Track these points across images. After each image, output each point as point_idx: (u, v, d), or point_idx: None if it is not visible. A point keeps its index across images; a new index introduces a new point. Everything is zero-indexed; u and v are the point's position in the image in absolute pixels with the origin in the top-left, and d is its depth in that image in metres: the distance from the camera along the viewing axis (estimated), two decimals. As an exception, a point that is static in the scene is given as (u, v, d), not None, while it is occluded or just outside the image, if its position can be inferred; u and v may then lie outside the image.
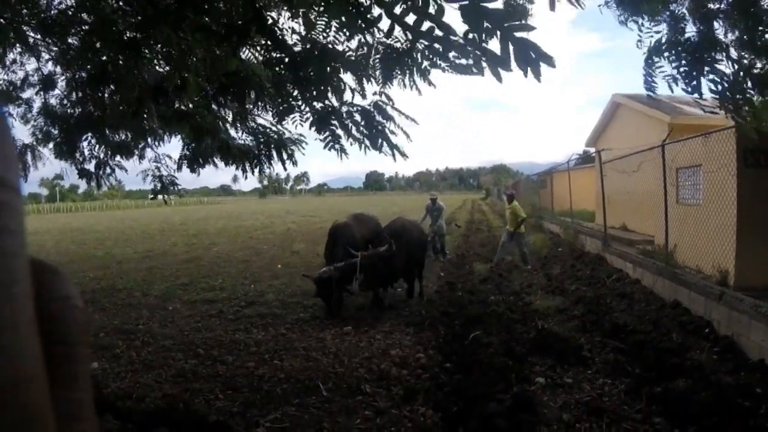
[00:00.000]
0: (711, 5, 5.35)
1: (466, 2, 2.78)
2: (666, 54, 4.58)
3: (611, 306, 7.89)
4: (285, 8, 5.33)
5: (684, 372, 5.01)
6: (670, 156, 9.08)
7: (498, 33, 2.77)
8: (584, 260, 12.07)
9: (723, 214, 7.58)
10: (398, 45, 4.77)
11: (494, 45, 2.96)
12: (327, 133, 5.50)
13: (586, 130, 22.89)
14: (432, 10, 3.08)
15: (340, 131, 5.53)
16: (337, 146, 5.53)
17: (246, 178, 8.48)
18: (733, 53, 5.04)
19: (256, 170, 8.15)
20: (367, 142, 5.55)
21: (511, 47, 2.75)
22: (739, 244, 7.23)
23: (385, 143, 5.47)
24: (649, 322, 6.91)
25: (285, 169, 7.98)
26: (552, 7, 2.96)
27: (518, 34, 2.73)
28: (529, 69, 2.75)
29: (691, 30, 5.40)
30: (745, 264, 7.16)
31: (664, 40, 4.71)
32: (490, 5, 2.73)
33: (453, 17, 3.04)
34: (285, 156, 7.67)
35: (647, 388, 4.78)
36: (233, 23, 4.85)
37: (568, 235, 15.75)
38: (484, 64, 3.08)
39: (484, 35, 2.85)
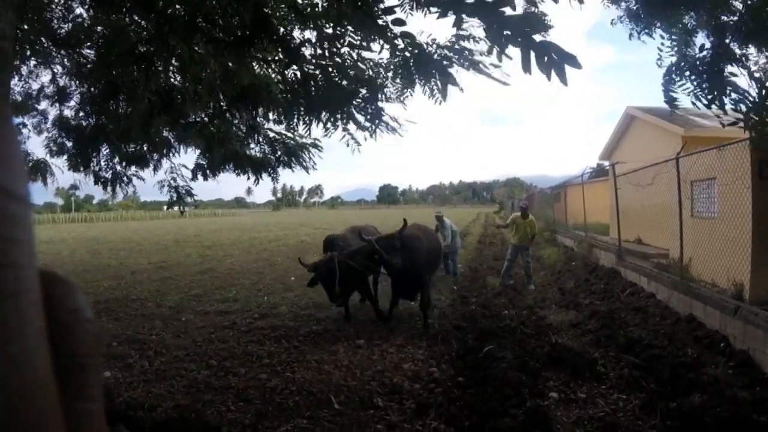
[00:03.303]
0: (724, 17, 5.31)
1: (488, 16, 2.79)
2: (687, 73, 4.56)
3: (625, 320, 7.81)
4: (296, 20, 5.40)
5: (699, 387, 4.95)
6: (685, 169, 9.01)
7: (519, 39, 2.76)
8: (598, 274, 11.95)
9: (738, 227, 7.51)
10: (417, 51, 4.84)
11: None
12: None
13: (600, 143, 22.79)
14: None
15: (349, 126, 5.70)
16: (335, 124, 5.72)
17: (257, 183, 8.47)
18: (754, 70, 5.00)
19: (269, 179, 8.24)
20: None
21: (532, 53, 2.74)
22: (754, 258, 7.16)
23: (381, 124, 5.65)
24: (664, 336, 6.83)
25: (308, 172, 8.07)
26: None
27: (538, 38, 2.72)
28: (553, 72, 2.73)
29: (705, 42, 5.38)
30: (760, 277, 7.08)
31: (681, 58, 4.69)
32: (509, 11, 2.73)
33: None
34: (302, 161, 7.79)
35: (662, 404, 4.73)
36: (241, 32, 4.92)
37: (582, 249, 15.61)
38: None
39: (503, 41, 2.85)
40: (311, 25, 5.25)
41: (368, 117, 5.81)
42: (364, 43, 4.84)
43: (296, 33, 5.58)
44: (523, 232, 11.76)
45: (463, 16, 2.99)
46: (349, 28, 4.75)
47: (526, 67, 2.76)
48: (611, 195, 13.86)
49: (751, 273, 7.17)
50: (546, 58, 2.72)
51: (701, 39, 5.30)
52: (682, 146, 9.42)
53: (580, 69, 2.78)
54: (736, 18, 5.17)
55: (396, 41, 4.47)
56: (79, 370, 0.33)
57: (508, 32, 2.76)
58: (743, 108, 4.32)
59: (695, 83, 4.54)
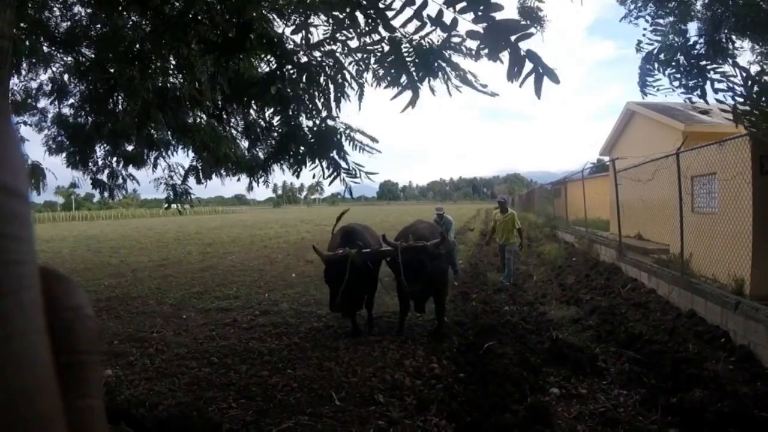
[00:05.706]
0: (719, 9, 5.29)
1: (481, 15, 2.78)
2: (665, 64, 4.53)
3: (626, 316, 7.81)
4: (275, 15, 5.37)
5: (700, 382, 4.95)
6: (685, 164, 8.99)
7: (508, 48, 2.77)
8: (599, 270, 11.95)
9: (739, 223, 7.50)
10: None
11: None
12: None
13: (601, 138, 22.75)
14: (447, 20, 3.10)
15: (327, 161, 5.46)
16: (299, 170, 5.51)
17: (255, 185, 8.28)
18: (741, 60, 4.99)
19: (261, 180, 8.22)
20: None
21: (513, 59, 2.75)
22: (755, 253, 7.16)
23: (342, 173, 5.40)
24: (665, 331, 6.83)
25: (298, 177, 8.00)
26: None
27: (525, 46, 2.73)
28: (532, 81, 2.74)
29: (694, 35, 5.36)
30: (761, 273, 7.08)
31: (663, 47, 4.66)
32: (499, 16, 2.73)
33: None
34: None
35: (663, 399, 4.74)
36: (230, 33, 4.92)
37: (583, 245, 15.60)
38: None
39: (495, 45, 2.84)
40: (289, 21, 5.24)
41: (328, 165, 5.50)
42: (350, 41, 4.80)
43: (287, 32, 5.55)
44: (503, 229, 11.40)
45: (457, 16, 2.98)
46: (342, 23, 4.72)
47: (511, 75, 2.77)
48: (611, 190, 13.86)
49: (752, 268, 7.17)
50: (531, 68, 2.73)
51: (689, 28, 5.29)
52: (683, 141, 9.41)
53: (557, 84, 2.82)
54: (732, 10, 5.16)
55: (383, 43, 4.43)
56: (79, 367, 0.33)
57: (498, 36, 2.75)
58: (728, 98, 4.30)
59: (676, 74, 4.51)
